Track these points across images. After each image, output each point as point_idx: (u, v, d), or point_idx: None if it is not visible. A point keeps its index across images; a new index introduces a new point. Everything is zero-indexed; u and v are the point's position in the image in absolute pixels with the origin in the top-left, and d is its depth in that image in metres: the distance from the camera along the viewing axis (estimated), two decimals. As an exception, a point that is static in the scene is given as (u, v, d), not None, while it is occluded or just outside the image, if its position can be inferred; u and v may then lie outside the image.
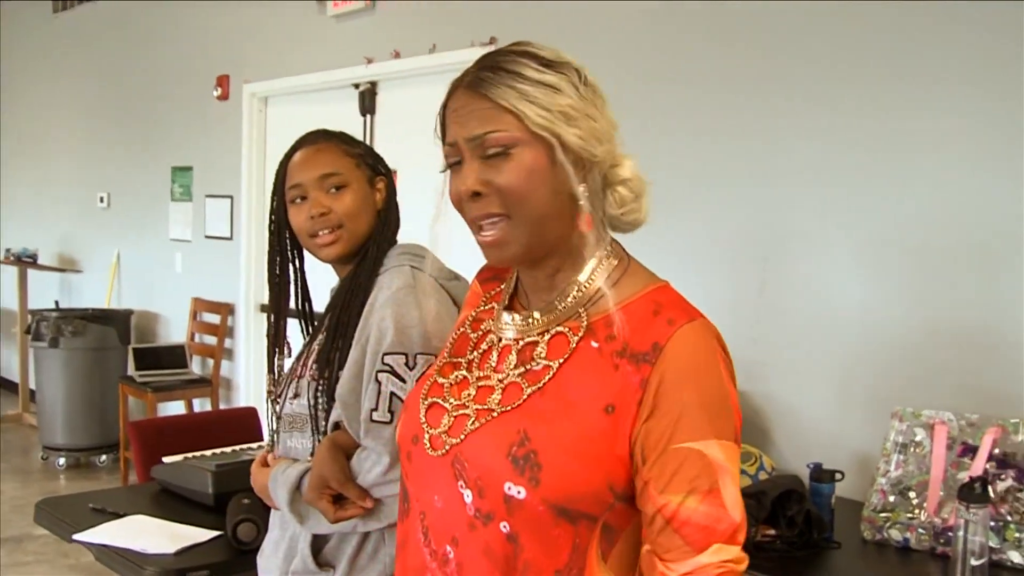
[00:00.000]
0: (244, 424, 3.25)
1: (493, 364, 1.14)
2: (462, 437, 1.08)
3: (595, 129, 1.07)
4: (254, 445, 2.74)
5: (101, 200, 6.56)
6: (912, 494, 2.26)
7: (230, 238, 5.38)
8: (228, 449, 2.64)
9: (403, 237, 1.73)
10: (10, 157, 7.77)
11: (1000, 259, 2.49)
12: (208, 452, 2.58)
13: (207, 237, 5.58)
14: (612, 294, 1.08)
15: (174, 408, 5.46)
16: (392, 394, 1.49)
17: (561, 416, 1.04)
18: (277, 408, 1.70)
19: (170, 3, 5.78)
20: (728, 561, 0.99)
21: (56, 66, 7.15)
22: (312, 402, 1.59)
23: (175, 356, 5.43)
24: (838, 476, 2.33)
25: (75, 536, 2.13)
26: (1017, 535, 2.09)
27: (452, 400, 1.14)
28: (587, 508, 1.03)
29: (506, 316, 1.16)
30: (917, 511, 2.23)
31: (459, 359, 1.19)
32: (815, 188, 2.84)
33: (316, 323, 1.74)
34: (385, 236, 1.68)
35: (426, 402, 1.16)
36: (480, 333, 1.20)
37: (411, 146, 3.45)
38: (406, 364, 1.50)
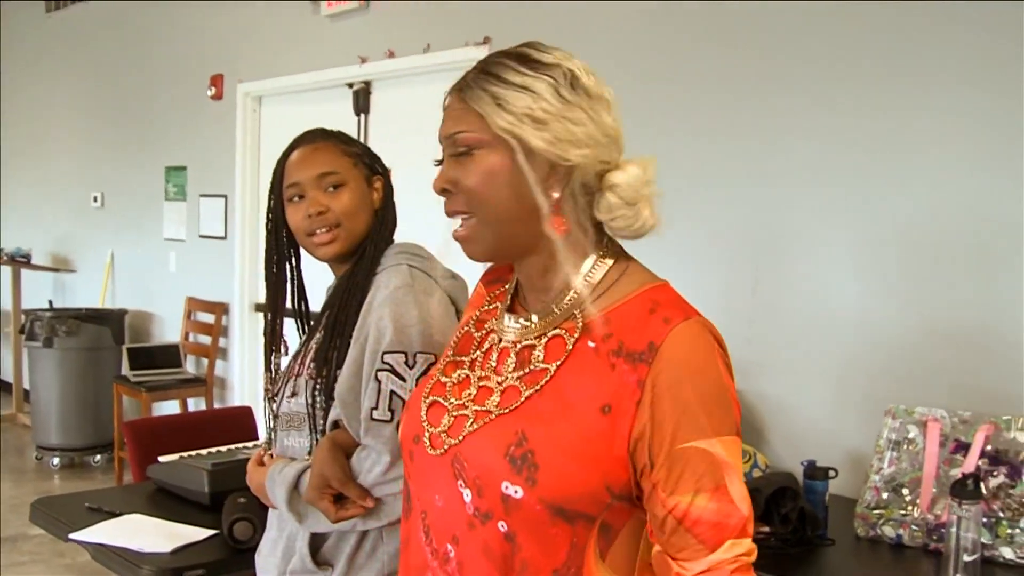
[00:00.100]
0: (239, 423, 3.25)
1: (493, 365, 1.14)
2: (460, 438, 1.09)
3: (571, 133, 1.05)
4: (249, 444, 2.74)
5: (95, 199, 6.55)
6: (905, 491, 2.27)
7: (224, 238, 5.37)
8: (223, 448, 2.64)
9: (397, 236, 1.73)
10: (3, 157, 7.75)
11: (997, 259, 2.49)
12: (203, 451, 2.58)
13: (201, 236, 5.57)
14: (595, 304, 1.08)
15: (168, 408, 5.45)
16: (392, 392, 1.50)
17: (559, 417, 1.05)
18: (274, 407, 1.70)
19: (164, 3, 5.77)
20: (742, 555, 1.00)
21: (49, 66, 7.14)
22: (310, 401, 1.59)
23: (169, 356, 5.43)
24: (832, 474, 2.34)
25: (71, 535, 2.13)
26: (1009, 531, 2.10)
27: (453, 400, 1.14)
28: (584, 508, 1.04)
29: (507, 318, 1.16)
30: (910, 508, 2.24)
31: (462, 358, 1.20)
32: (813, 188, 2.84)
33: (312, 322, 1.74)
34: (382, 235, 1.68)
35: (427, 400, 1.17)
36: (483, 333, 1.20)
37: (405, 146, 3.45)
38: (406, 363, 1.50)
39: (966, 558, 1.94)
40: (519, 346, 1.13)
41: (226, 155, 5.28)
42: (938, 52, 2.58)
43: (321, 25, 4.65)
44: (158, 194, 5.91)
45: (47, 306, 6.22)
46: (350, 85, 4.58)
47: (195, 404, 5.44)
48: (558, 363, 1.08)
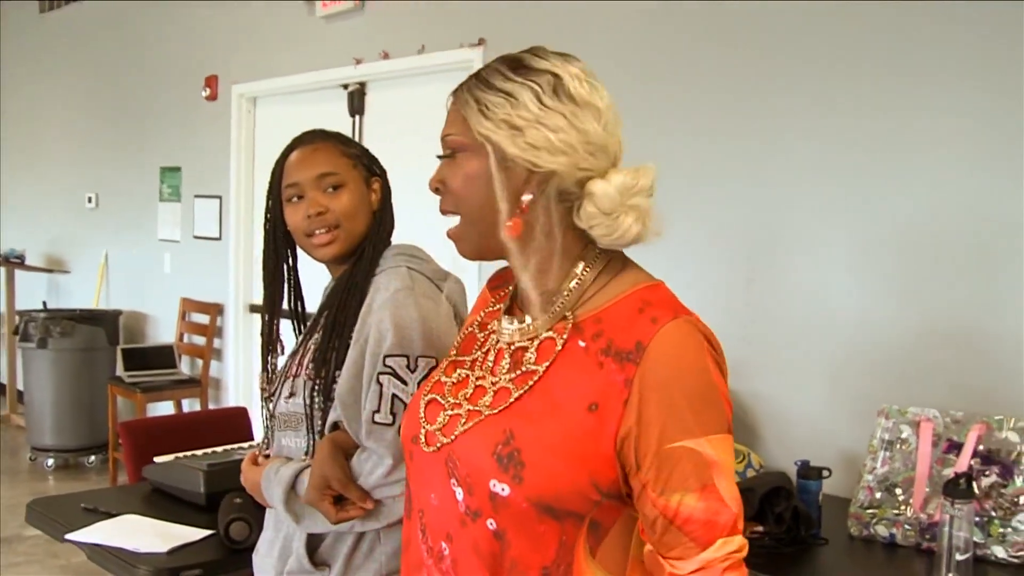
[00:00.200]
0: (234, 424, 3.26)
1: (491, 366, 1.15)
2: (453, 437, 1.10)
3: (547, 140, 1.04)
4: (245, 445, 2.75)
5: (89, 200, 6.54)
6: (898, 491, 2.28)
7: (219, 238, 5.37)
8: (219, 449, 2.65)
9: (393, 237, 1.73)
10: (-3, 157, 7.75)
11: (997, 259, 2.49)
12: (199, 452, 2.58)
13: (196, 237, 5.57)
14: (586, 305, 1.09)
15: (163, 408, 5.45)
16: (394, 396, 1.50)
17: (547, 416, 1.06)
18: (271, 407, 1.70)
19: (158, 3, 5.76)
20: (733, 553, 1.01)
21: (43, 66, 7.12)
22: (308, 401, 1.60)
23: (164, 356, 5.42)
24: (825, 473, 2.35)
25: (67, 536, 2.13)
26: (1001, 530, 2.11)
27: (450, 399, 1.15)
28: (572, 506, 1.05)
29: (505, 321, 1.17)
30: (903, 507, 2.26)
31: (463, 358, 1.21)
32: (812, 188, 2.85)
33: (309, 322, 1.74)
34: (381, 236, 1.69)
35: (426, 398, 1.19)
36: (486, 334, 1.22)
37: (401, 147, 3.46)
38: (407, 366, 1.51)
39: (958, 557, 1.95)
40: (513, 347, 1.14)
41: (221, 156, 5.28)
42: (938, 52, 2.58)
43: (316, 26, 4.65)
44: (153, 195, 5.90)
45: (41, 307, 6.20)
46: (345, 86, 4.58)
47: (189, 405, 5.43)
48: (548, 363, 1.09)
